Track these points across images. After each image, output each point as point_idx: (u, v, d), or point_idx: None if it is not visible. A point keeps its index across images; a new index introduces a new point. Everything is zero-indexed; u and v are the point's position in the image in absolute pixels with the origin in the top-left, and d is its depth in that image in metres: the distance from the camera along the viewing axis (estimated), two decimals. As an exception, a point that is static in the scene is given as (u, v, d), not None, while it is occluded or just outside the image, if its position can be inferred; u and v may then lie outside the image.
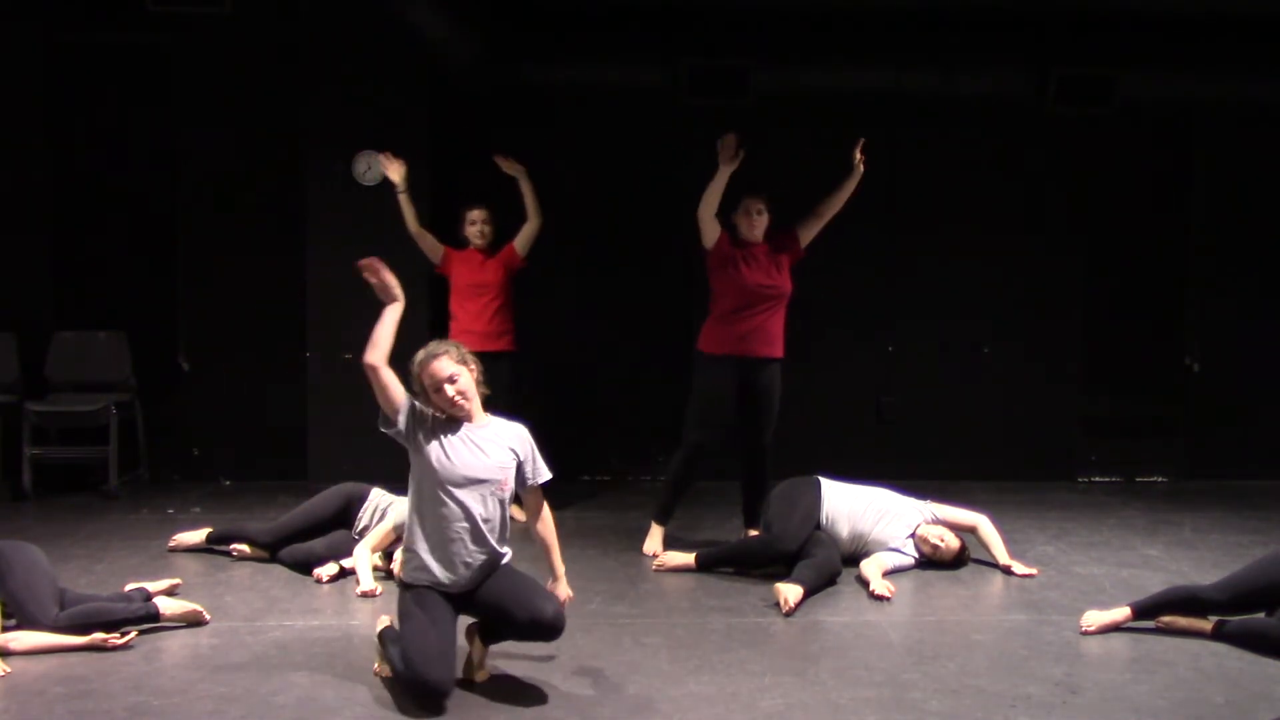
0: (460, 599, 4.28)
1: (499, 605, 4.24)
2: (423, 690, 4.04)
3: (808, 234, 6.28)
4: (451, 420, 4.35)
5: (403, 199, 6.78)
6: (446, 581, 4.24)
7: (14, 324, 7.64)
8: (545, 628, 4.19)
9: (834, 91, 7.87)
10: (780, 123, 8.03)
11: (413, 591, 4.28)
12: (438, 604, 4.23)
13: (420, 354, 4.34)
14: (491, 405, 6.78)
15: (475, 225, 6.90)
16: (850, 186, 6.20)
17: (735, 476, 6.56)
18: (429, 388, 4.32)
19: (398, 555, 5.52)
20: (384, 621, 4.45)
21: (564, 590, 4.49)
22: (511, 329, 6.93)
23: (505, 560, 4.39)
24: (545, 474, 4.52)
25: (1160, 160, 8.46)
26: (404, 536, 4.42)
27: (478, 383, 4.41)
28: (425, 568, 4.25)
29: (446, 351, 4.35)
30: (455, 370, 4.33)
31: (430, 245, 6.92)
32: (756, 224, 6.19)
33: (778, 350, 6.25)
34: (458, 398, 4.31)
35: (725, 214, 6.18)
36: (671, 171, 7.71)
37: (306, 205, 7.66)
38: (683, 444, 6.29)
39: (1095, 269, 8.45)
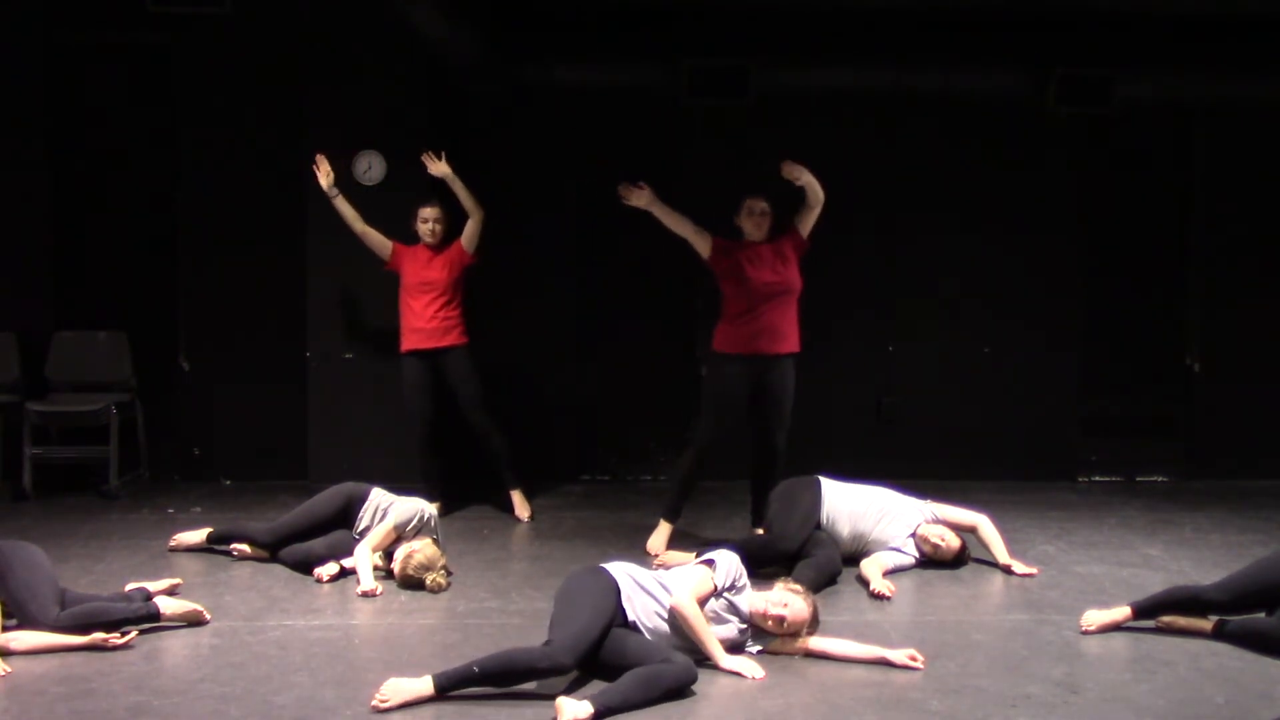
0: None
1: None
2: (556, 659, 4.15)
3: (805, 225, 6.28)
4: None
5: (338, 202, 6.91)
6: None
7: (14, 324, 7.64)
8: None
9: (834, 91, 7.88)
10: (780, 123, 8.03)
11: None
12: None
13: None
14: (454, 396, 6.88)
15: (427, 223, 6.94)
16: (813, 184, 6.09)
17: (740, 476, 6.55)
18: None
19: (398, 555, 5.55)
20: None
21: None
22: (460, 323, 6.95)
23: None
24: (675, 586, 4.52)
25: (1160, 160, 8.46)
26: None
27: None
28: None
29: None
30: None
31: (378, 242, 6.99)
32: (760, 224, 6.21)
33: (790, 345, 6.26)
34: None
35: (729, 217, 6.19)
36: (671, 171, 7.70)
37: (306, 205, 7.66)
38: (693, 441, 6.31)
39: (1095, 269, 8.45)
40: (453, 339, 6.91)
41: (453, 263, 6.92)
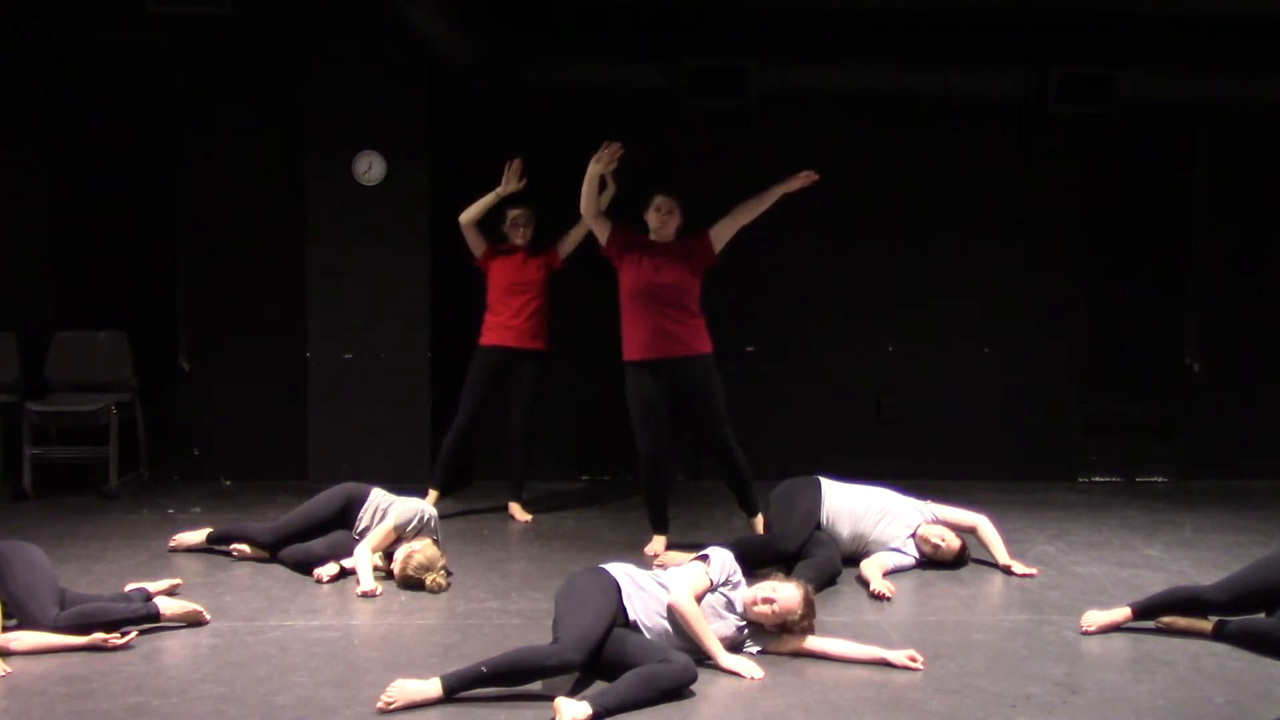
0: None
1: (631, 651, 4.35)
2: (565, 657, 4.14)
3: (721, 235, 6.07)
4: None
5: (490, 198, 6.85)
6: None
7: (14, 324, 7.64)
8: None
9: (834, 91, 7.87)
10: (780, 123, 8.03)
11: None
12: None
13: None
14: (511, 400, 6.88)
15: (518, 225, 6.95)
16: (771, 198, 6.04)
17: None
18: None
19: (398, 555, 5.55)
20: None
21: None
22: (546, 329, 7.02)
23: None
24: (674, 582, 4.55)
25: (1160, 160, 8.46)
26: None
27: None
28: None
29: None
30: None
31: (475, 239, 6.99)
32: (666, 223, 6.07)
33: (694, 347, 6.02)
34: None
35: (638, 211, 6.13)
36: (672, 172, 7.70)
37: (306, 205, 7.66)
38: (638, 455, 6.20)
39: (1095, 269, 8.46)
40: (538, 344, 6.97)
41: (546, 265, 6.99)
